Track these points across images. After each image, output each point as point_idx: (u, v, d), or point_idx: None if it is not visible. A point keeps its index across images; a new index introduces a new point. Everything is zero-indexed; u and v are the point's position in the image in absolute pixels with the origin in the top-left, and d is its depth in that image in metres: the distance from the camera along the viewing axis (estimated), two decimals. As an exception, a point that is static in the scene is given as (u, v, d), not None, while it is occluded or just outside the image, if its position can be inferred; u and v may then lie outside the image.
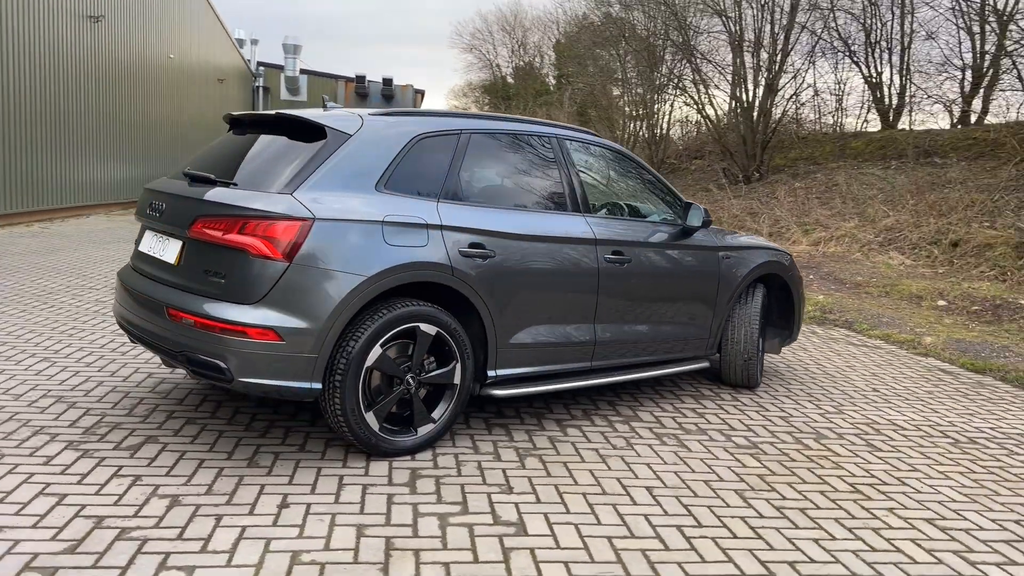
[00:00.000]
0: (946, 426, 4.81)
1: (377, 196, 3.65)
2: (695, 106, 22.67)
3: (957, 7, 22.46)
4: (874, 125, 24.48)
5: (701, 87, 22.32)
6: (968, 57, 22.53)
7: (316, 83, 38.15)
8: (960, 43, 22.89)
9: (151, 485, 3.25)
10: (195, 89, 24.06)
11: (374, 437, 3.61)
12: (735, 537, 3.09)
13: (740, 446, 4.19)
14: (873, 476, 3.87)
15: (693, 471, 3.78)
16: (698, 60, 22.43)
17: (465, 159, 4.02)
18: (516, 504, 3.27)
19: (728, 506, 3.39)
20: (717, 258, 5.08)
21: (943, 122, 23.00)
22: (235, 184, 3.60)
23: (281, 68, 37.65)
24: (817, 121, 23.63)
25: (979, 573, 2.93)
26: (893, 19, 22.50)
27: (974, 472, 4.03)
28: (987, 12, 21.62)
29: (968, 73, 22.61)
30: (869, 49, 23.03)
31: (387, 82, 38.49)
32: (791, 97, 21.17)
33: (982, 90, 22.47)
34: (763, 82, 20.77)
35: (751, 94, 21.32)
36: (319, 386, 3.45)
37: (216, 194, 3.55)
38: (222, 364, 3.33)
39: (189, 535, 2.84)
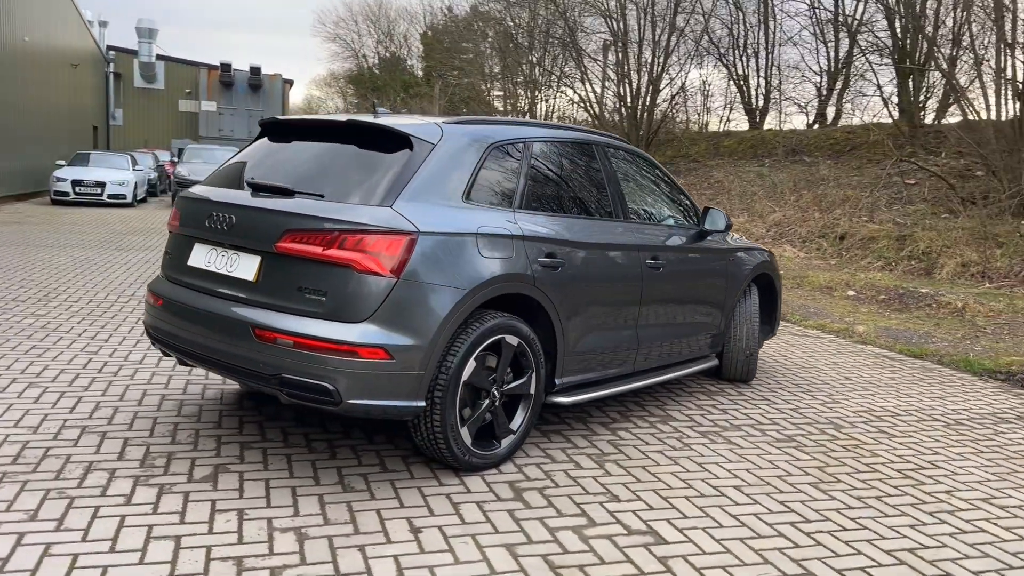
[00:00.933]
0: (930, 410, 5.28)
1: (466, 207, 3.58)
2: (581, 103, 23.24)
3: (813, 17, 24.23)
4: (741, 124, 26.02)
5: (587, 84, 22.93)
6: (825, 62, 24.39)
7: (175, 71, 35.90)
8: (817, 50, 24.70)
9: (261, 518, 3.05)
10: (50, 75, 22.08)
11: (467, 452, 3.56)
12: (844, 530, 3.29)
13: (778, 440, 4.43)
14: (908, 461, 4.21)
15: (759, 467, 3.97)
16: (582, 57, 23.04)
17: (530, 168, 4.01)
18: (633, 512, 3.33)
19: (816, 499, 3.59)
20: (727, 259, 5.32)
21: (801, 123, 24.80)
22: (321, 196, 3.42)
23: (134, 53, 35.15)
24: (689, 121, 24.80)
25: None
26: (759, 25, 24.00)
27: (982, 451, 4.46)
28: (839, 22, 23.49)
29: (824, 77, 24.48)
30: (737, 53, 24.46)
31: (255, 71, 36.76)
32: (674, 96, 22.19)
33: (835, 94, 24.40)
34: (647, 81, 21.64)
35: (635, 92, 22.14)
36: (423, 404, 3.36)
37: (307, 206, 3.36)
38: (329, 386, 3.16)
39: (347, 570, 2.70)
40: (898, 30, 20.10)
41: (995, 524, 3.44)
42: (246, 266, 3.47)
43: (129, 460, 3.54)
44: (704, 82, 24.16)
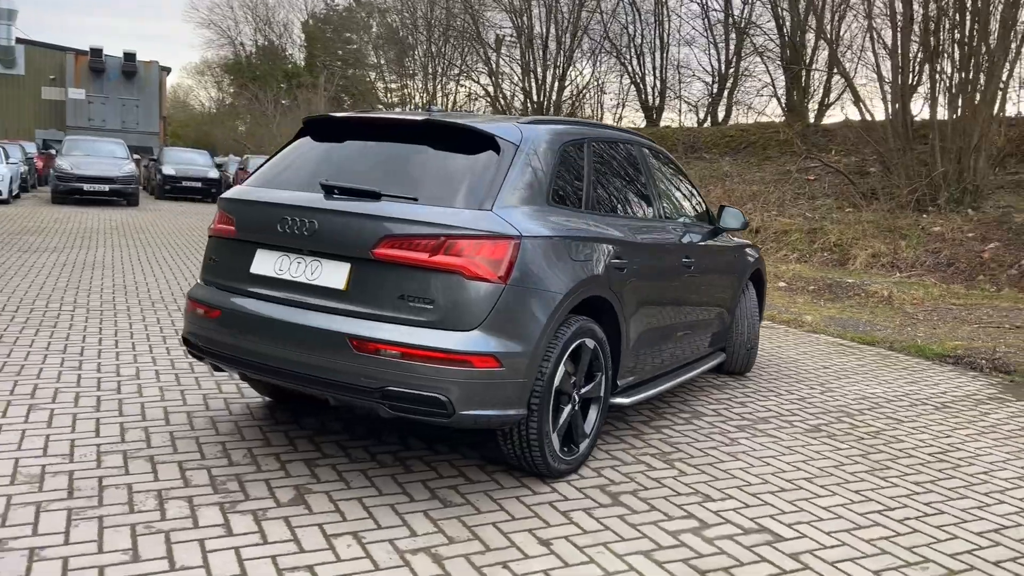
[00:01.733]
0: (914, 395, 5.64)
1: (551, 209, 3.51)
2: (487, 97, 23.20)
3: (704, 19, 25.22)
4: (637, 121, 26.76)
5: (493, 78, 22.92)
6: (715, 63, 25.44)
7: (37, 55, 32.98)
8: (708, 51, 25.71)
9: (381, 540, 2.89)
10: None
11: (555, 459, 3.50)
12: (926, 515, 3.47)
13: (809, 431, 4.61)
14: (931, 444, 4.48)
15: (811, 458, 4.12)
16: (487, 51, 23.02)
17: (591, 168, 3.97)
18: (734, 510, 3.37)
19: (882, 487, 3.76)
20: (735, 256, 5.47)
21: (694, 121, 25.80)
22: (415, 199, 3.25)
23: (-11, 36, 32.12)
24: (592, 117, 25.28)
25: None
26: (655, 25, 24.74)
27: (984, 432, 4.81)
28: (730, 23, 24.57)
29: (716, 77, 25.54)
30: (633, 51, 25.12)
31: (129, 57, 34.33)
32: (580, 92, 22.57)
33: (726, 93, 25.51)
34: (551, 76, 21.88)
35: (539, 86, 22.33)
36: (524, 412, 3.27)
37: (406, 211, 3.18)
38: (442, 397, 3.03)
39: (509, 590, 2.60)
40: (786, 32, 21.26)
41: None
42: (332, 274, 3.26)
43: (198, 486, 3.25)
44: (598, 80, 24.60)
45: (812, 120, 20.88)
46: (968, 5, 13.24)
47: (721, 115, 25.20)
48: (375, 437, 3.97)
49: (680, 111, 25.03)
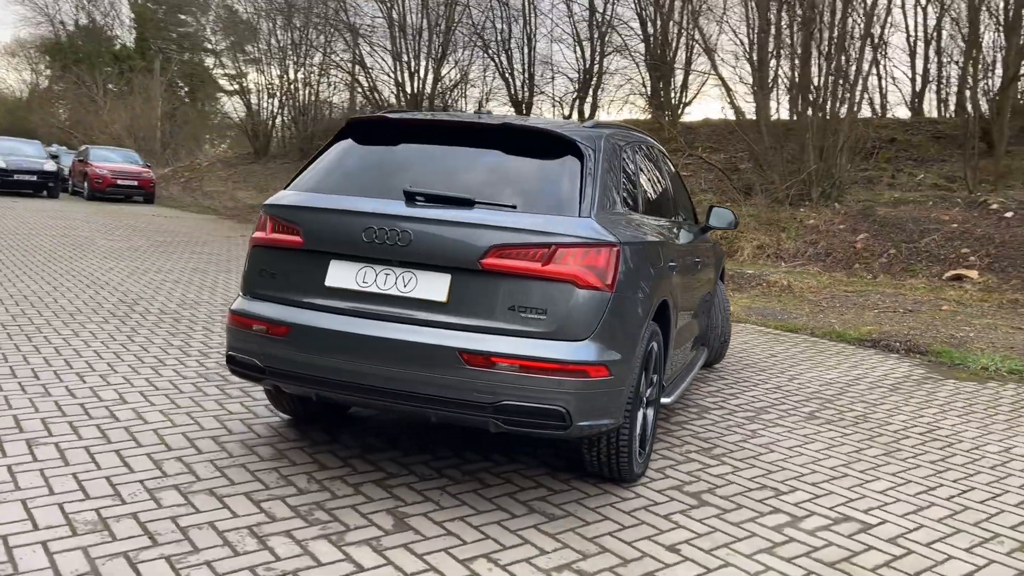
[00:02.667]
0: (865, 377, 6.12)
1: (624, 214, 3.50)
2: (360, 90, 22.54)
3: (569, 16, 25.79)
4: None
5: (366, 68, 22.32)
6: (581, 61, 26.09)
7: None
8: (575, 48, 26.31)
9: (519, 561, 2.79)
10: None
11: (637, 464, 3.52)
12: (972, 489, 3.78)
13: (809, 418, 4.89)
14: (915, 425, 4.88)
15: (832, 446, 4.37)
16: (357, 39, 22.37)
17: (639, 171, 4.00)
18: (812, 501, 3.53)
19: (911, 469, 4.06)
20: (717, 253, 5.69)
21: (558, 117, 26.40)
22: (514, 207, 3.14)
23: None
24: (466, 111, 25.22)
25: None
26: (523, 21, 25.03)
27: (945, 409, 5.29)
28: (595, 22, 25.29)
29: (581, 75, 26.20)
30: (500, 46, 25.32)
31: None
32: (456, 85, 22.44)
33: (592, 90, 26.25)
34: (425, 68, 21.64)
35: (413, 78, 22.01)
36: (623, 419, 3.26)
37: (514, 219, 3.07)
38: (562, 409, 2.96)
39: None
40: (651, 32, 22.19)
41: None
42: (430, 285, 3.09)
43: (285, 519, 2.98)
44: (463, 74, 24.57)
45: (673, 117, 21.92)
46: (827, 14, 14.42)
47: (587, 111, 25.90)
48: (428, 452, 3.81)
49: (548, 106, 25.49)
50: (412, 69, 21.53)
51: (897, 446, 4.43)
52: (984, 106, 15.93)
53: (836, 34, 14.38)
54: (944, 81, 19.59)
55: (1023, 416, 5.22)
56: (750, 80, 16.12)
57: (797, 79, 15.08)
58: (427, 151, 3.51)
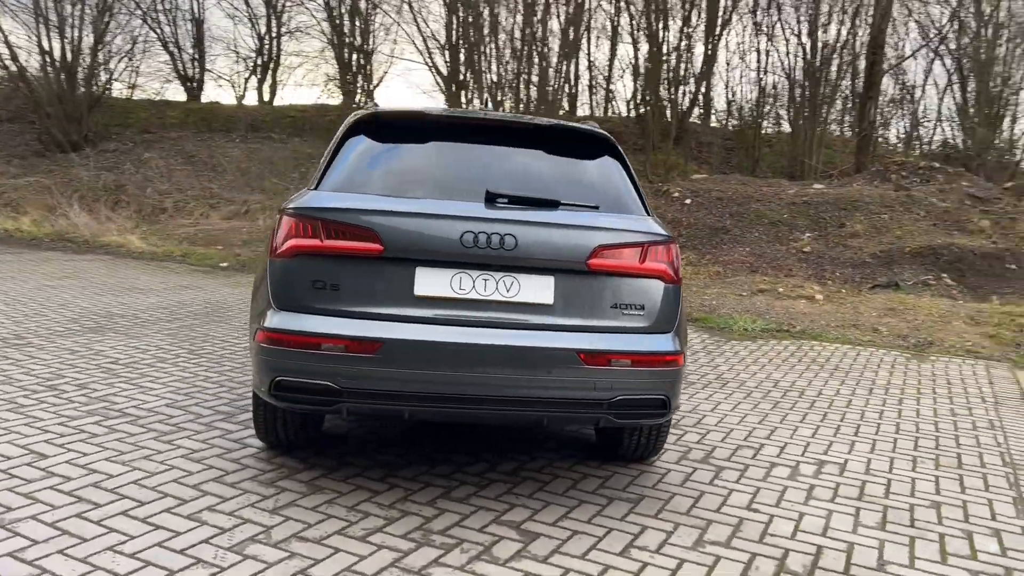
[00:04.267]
0: (762, 355, 7.09)
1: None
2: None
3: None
4: (178, 95, 24.69)
5: None
6: (258, 40, 24.82)
7: None
8: (250, 23, 24.89)
9: (682, 559, 2.97)
10: None
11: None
12: (963, 443, 4.72)
13: (754, 392, 5.60)
14: (939, 414, 5.53)
15: (808, 419, 5.11)
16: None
17: None
18: (864, 468, 4.17)
19: (907, 428, 4.94)
20: None
21: (231, 97, 24.84)
22: (596, 207, 3.22)
23: None
24: (135, 87, 22.48)
25: None
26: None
27: (845, 381, 6.40)
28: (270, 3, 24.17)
29: (259, 54, 24.96)
30: (167, 18, 23.06)
31: None
32: (122, 57, 19.80)
33: (270, 72, 25.18)
34: (79, 36, 18.70)
35: (63, 46, 18.93)
36: None
37: (611, 220, 3.16)
38: (664, 398, 3.17)
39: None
40: (336, 16, 21.86)
41: (944, 416, 5.29)
42: (535, 288, 3.05)
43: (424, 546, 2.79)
44: (134, 44, 21.81)
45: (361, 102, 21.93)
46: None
47: (267, 94, 24.72)
48: (481, 459, 3.71)
49: (240, 86, 23.79)
50: (65, 36, 18.46)
51: (849, 415, 5.09)
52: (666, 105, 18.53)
53: (531, 32, 15.68)
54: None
55: (829, 366, 6.51)
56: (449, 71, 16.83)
57: (493, 75, 16.16)
58: (465, 150, 3.41)
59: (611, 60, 19.60)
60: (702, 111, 19.23)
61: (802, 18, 17.15)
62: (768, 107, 18.94)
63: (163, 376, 4.82)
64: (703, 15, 17.75)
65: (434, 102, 20.86)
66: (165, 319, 6.62)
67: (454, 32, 19.12)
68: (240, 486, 3.23)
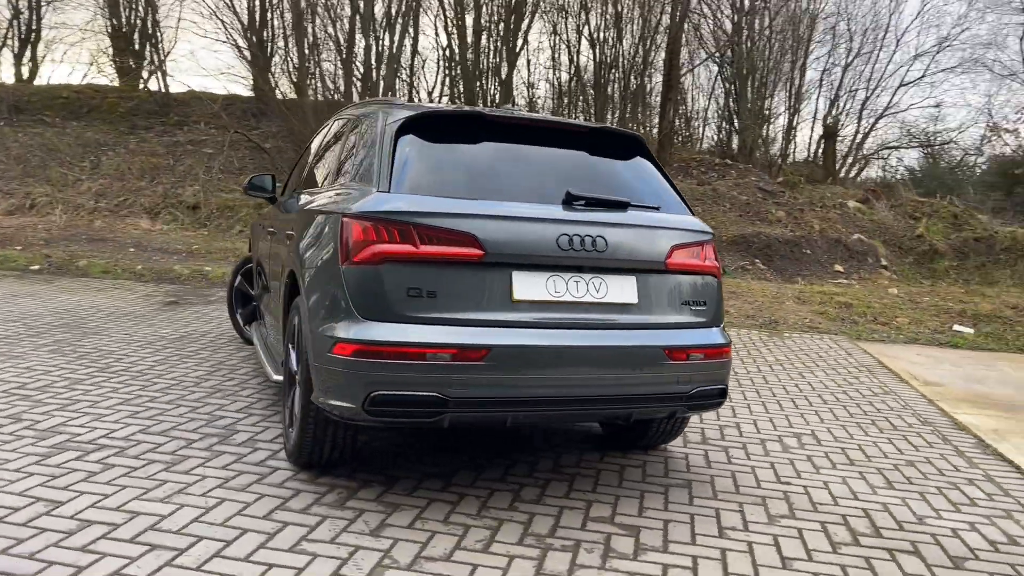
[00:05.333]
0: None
1: None
2: None
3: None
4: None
5: None
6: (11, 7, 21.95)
7: None
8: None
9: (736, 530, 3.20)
10: None
11: None
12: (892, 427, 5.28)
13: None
14: (839, 384, 6.28)
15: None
16: None
17: None
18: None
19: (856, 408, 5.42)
20: None
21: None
22: (657, 208, 3.34)
23: None
24: None
25: None
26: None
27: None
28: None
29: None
30: None
31: None
32: None
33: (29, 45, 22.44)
34: None
35: None
36: None
37: (680, 221, 3.29)
38: (724, 386, 3.39)
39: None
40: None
41: (844, 386, 5.94)
42: (621, 288, 3.13)
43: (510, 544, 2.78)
44: None
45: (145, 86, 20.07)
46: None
47: (26, 71, 21.86)
48: (514, 460, 3.68)
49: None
50: None
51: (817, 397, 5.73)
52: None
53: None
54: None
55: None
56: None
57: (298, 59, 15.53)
58: (519, 151, 3.39)
59: (414, 49, 19.55)
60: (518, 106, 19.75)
61: (592, 19, 18.13)
62: (563, 106, 19.94)
63: (101, 400, 4.24)
64: (503, 11, 18.14)
65: (238, 83, 19.50)
66: (28, 334, 5.75)
67: (256, 8, 18.08)
68: (313, 511, 2.99)
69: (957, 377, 6.43)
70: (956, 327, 9.05)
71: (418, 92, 18.80)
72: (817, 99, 21.07)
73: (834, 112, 20.76)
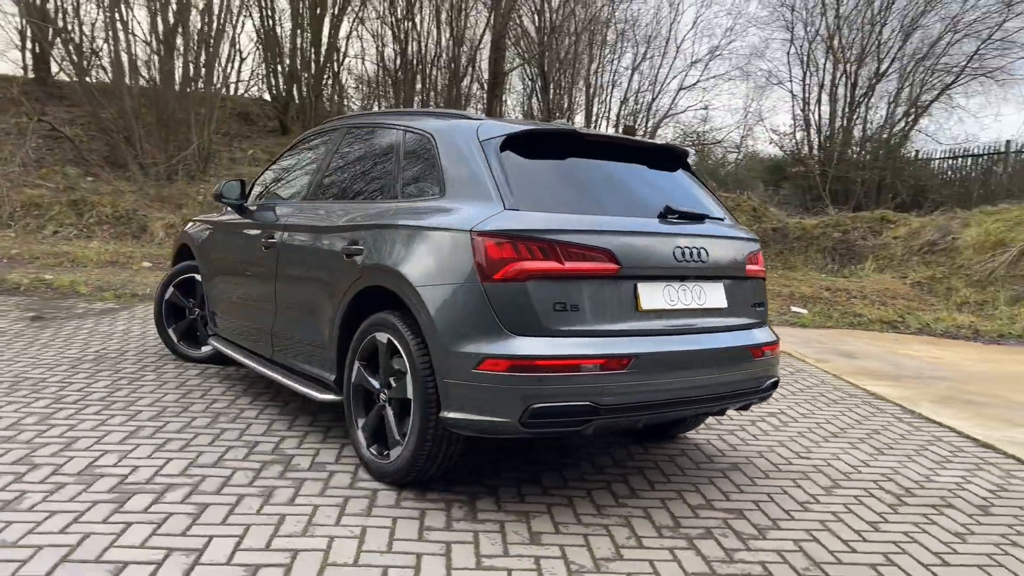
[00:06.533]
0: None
1: None
2: None
3: None
4: None
5: None
6: None
7: None
8: None
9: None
10: None
11: None
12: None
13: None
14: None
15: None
16: None
17: None
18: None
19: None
20: None
21: None
22: (722, 219, 3.66)
23: None
24: None
25: None
26: None
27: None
28: None
29: None
30: None
31: None
32: None
33: None
34: None
35: None
36: None
37: (744, 231, 3.62)
38: (778, 379, 3.80)
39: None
40: None
41: None
42: (714, 294, 3.42)
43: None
44: None
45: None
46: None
47: None
48: (554, 466, 3.83)
49: None
50: None
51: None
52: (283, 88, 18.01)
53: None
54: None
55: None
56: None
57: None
58: (607, 167, 3.55)
59: (234, 34, 18.44)
60: (335, 97, 19.22)
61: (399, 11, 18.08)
62: (373, 96, 19.75)
63: (103, 436, 3.81)
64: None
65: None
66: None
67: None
68: (457, 528, 2.99)
69: (830, 353, 7.45)
70: (794, 308, 10.36)
71: (236, 84, 17.71)
72: (609, 99, 22.35)
73: (624, 112, 22.33)
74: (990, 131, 25.11)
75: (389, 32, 18.52)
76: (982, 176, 18.27)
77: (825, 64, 20.48)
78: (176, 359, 5.56)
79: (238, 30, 15.99)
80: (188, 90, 13.99)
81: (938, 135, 25.22)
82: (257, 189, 5.02)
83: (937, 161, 19.42)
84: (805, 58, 20.86)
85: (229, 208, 5.24)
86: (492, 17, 18.62)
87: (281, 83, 17.90)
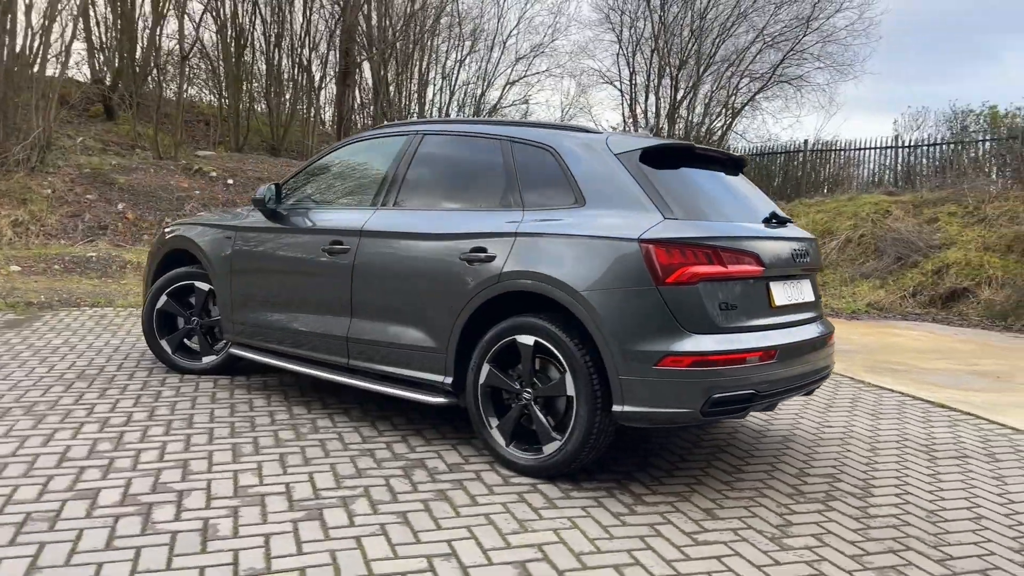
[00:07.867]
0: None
1: None
2: None
3: None
4: None
5: None
6: None
7: None
8: None
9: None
10: None
11: None
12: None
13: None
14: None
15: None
16: None
17: None
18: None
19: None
20: None
21: None
22: (790, 221, 4.16)
23: None
24: None
25: None
26: None
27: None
28: None
29: None
30: None
31: None
32: None
33: None
34: None
35: None
36: None
37: (805, 231, 4.14)
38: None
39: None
40: None
41: None
42: (807, 290, 3.94)
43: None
44: None
45: None
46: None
47: None
48: (655, 462, 4.19)
49: None
50: None
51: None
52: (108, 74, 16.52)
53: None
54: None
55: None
56: None
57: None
58: (711, 177, 3.93)
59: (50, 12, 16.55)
60: (162, 80, 17.82)
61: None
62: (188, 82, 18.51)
63: (212, 453, 3.63)
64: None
65: None
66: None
67: None
68: (640, 514, 3.25)
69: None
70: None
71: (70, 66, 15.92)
72: (440, 92, 22.51)
73: (454, 105, 22.65)
74: (788, 132, 28.84)
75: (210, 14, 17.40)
76: (783, 171, 20.70)
77: (649, 66, 22.12)
78: (168, 370, 5.22)
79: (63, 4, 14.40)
80: (29, 72, 12.51)
81: (747, 134, 28.10)
82: (294, 195, 4.84)
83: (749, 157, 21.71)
84: (631, 59, 22.41)
85: (240, 212, 5.00)
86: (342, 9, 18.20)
87: (101, 61, 16.38)
